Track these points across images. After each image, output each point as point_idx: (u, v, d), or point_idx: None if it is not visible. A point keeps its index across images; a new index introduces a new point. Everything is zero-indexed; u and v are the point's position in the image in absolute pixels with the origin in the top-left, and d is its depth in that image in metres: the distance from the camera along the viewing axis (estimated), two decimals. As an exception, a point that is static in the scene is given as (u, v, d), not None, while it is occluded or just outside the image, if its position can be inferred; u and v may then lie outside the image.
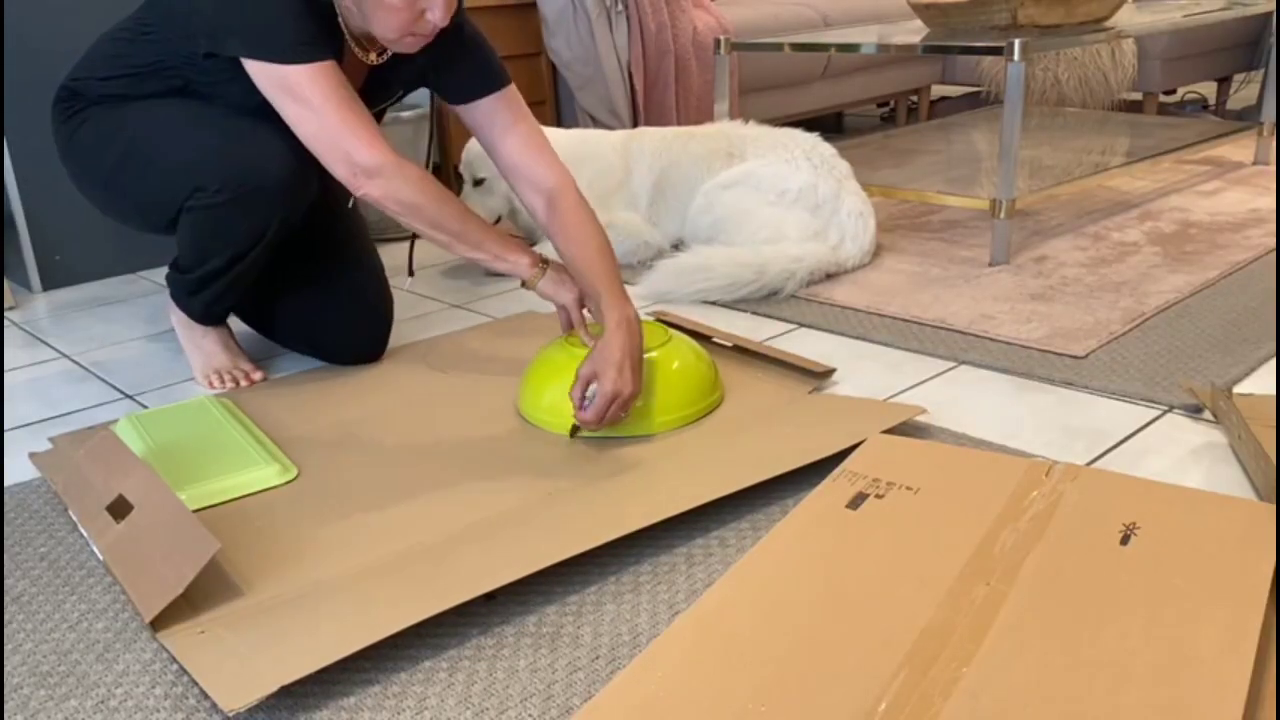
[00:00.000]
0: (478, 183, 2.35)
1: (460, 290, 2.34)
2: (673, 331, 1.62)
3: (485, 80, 1.65)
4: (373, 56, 1.59)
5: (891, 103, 4.23)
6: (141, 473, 1.31)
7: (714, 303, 2.12)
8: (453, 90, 1.66)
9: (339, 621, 1.07)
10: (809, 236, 2.22)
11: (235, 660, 1.02)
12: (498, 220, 2.46)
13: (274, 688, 0.95)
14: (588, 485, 1.37)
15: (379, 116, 1.66)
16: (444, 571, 1.18)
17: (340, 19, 1.54)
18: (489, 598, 1.14)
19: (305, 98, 1.44)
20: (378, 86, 1.67)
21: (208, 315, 1.78)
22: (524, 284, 1.57)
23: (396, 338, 2.01)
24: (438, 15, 1.44)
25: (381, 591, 1.14)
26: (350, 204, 1.84)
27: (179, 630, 1.09)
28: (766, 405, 1.58)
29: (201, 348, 1.80)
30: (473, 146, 2.38)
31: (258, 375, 1.75)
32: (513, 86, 1.67)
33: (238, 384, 1.76)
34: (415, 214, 1.49)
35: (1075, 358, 1.73)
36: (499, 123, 1.65)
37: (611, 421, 1.46)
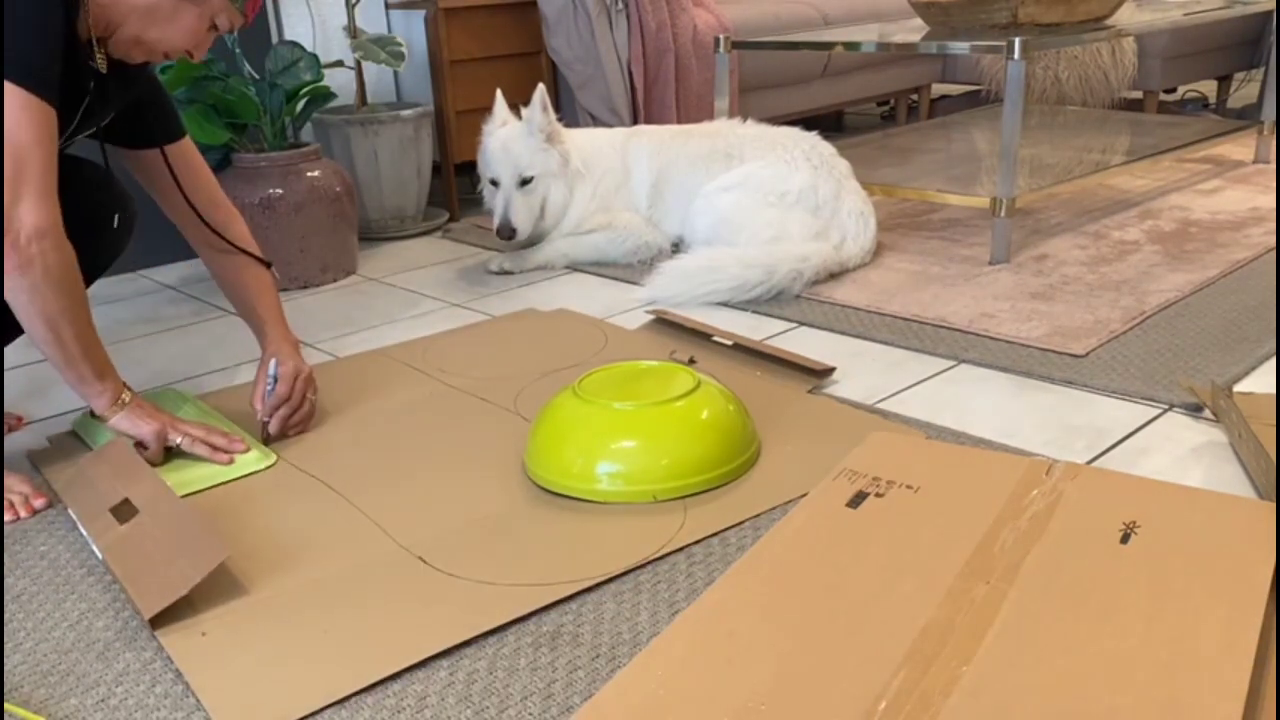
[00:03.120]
0: (524, 182, 2.32)
1: (460, 289, 2.34)
2: (702, 377, 1.44)
3: (178, 124, 1.59)
4: (103, 63, 1.38)
5: (892, 101, 4.23)
6: (150, 479, 1.31)
7: (715, 301, 2.11)
8: (158, 130, 1.55)
9: (343, 646, 1.08)
10: (810, 237, 2.22)
11: (240, 681, 1.02)
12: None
13: None
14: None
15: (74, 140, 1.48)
16: (446, 592, 1.18)
17: (81, 23, 1.32)
18: None
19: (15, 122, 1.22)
20: (99, 100, 1.42)
21: None
22: (94, 415, 1.43)
23: (393, 336, 2.01)
24: (224, 22, 1.38)
25: (385, 605, 1.14)
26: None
27: (180, 630, 1.09)
28: (765, 406, 1.58)
29: None
30: (490, 145, 2.35)
31: (39, 501, 1.40)
32: (189, 138, 1.61)
33: (17, 513, 1.38)
34: (53, 295, 1.27)
35: (1075, 356, 1.73)
36: (182, 170, 1.57)
37: (303, 418, 1.55)
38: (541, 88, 2.32)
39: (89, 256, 1.53)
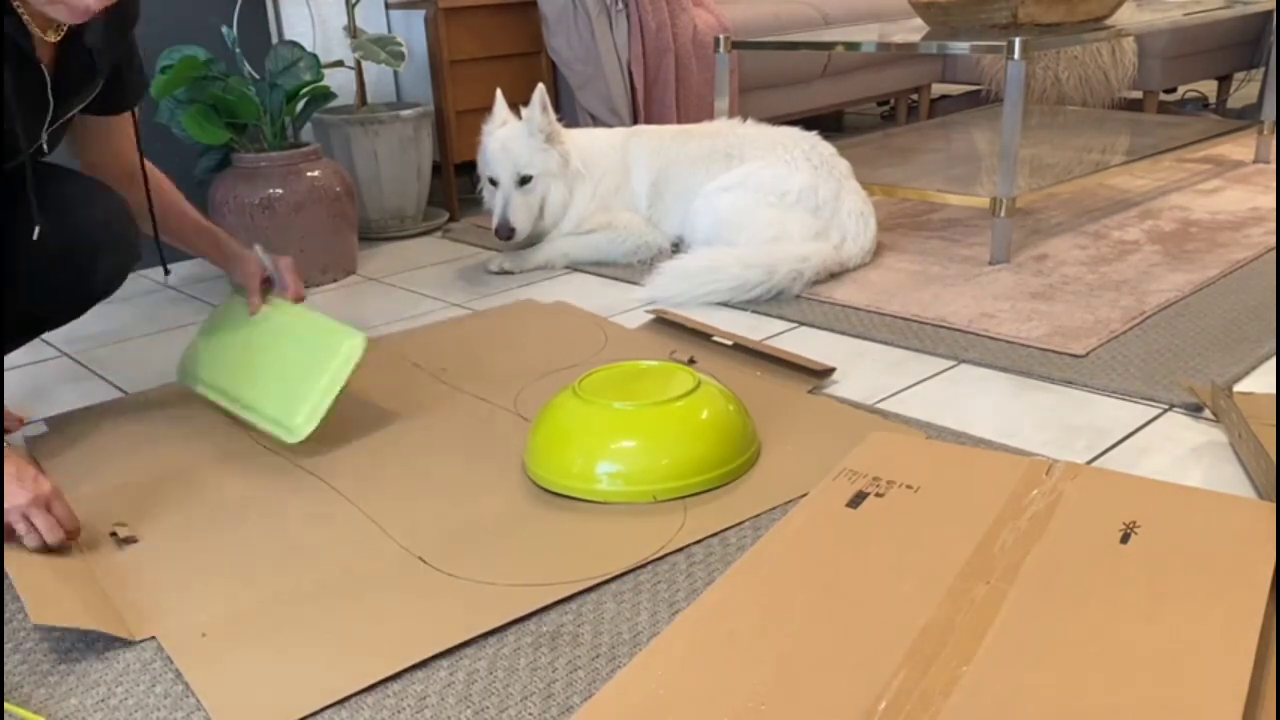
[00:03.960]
0: (524, 181, 2.32)
1: (460, 289, 2.34)
2: (702, 377, 1.44)
3: (137, 91, 1.56)
4: (50, 34, 1.34)
5: (892, 101, 4.22)
6: None
7: (715, 301, 2.11)
8: (130, 95, 1.53)
9: (343, 646, 1.07)
10: (811, 237, 2.22)
11: (240, 681, 1.02)
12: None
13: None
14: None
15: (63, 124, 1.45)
16: (446, 592, 1.18)
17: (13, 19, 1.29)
18: None
19: None
20: (78, 72, 1.40)
21: None
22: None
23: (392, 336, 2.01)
24: None
25: (385, 605, 1.14)
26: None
27: (180, 630, 1.10)
28: (765, 405, 1.58)
29: None
30: (490, 145, 2.34)
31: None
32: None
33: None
34: None
35: (1075, 356, 1.73)
36: (126, 132, 1.55)
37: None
38: (541, 88, 2.31)
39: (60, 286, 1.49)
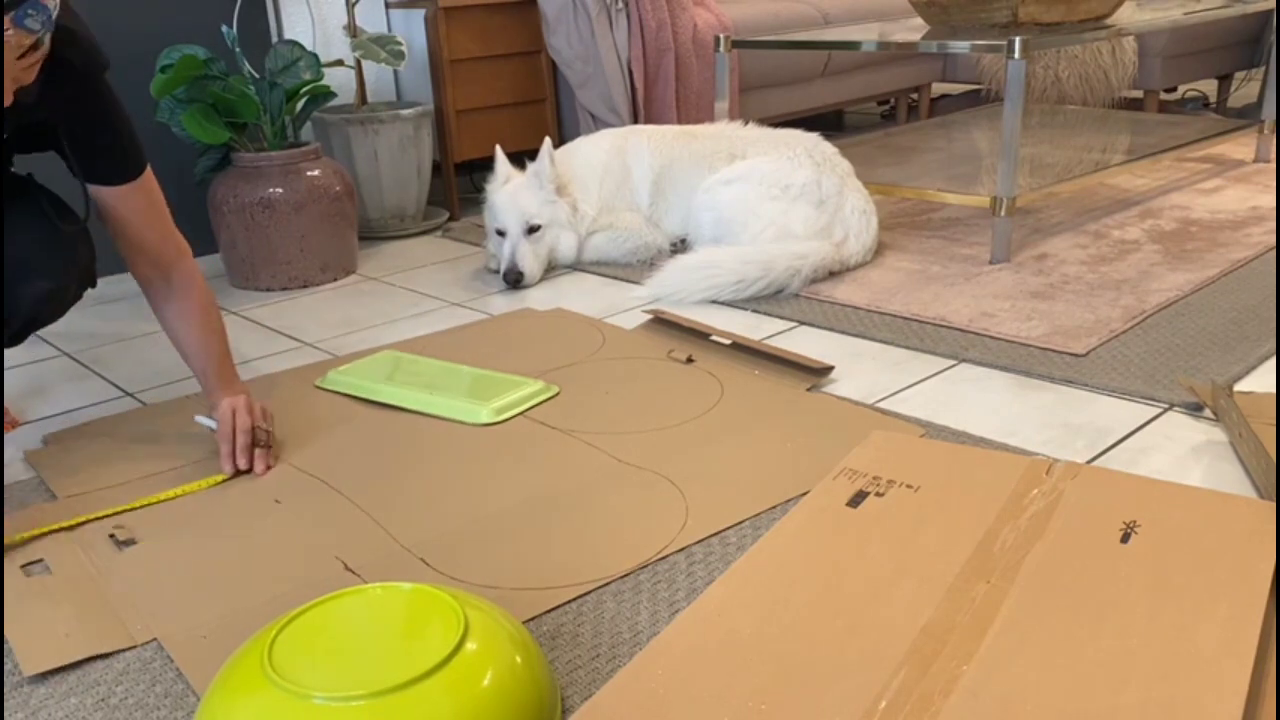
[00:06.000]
0: (532, 229, 2.31)
1: (460, 289, 2.33)
2: (480, 617, 0.94)
3: (119, 166, 1.44)
4: None
5: (892, 100, 4.23)
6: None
7: (715, 301, 2.12)
8: (81, 167, 1.42)
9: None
10: (815, 232, 2.22)
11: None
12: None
13: None
14: (589, 494, 1.38)
15: None
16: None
17: None
18: None
19: None
20: None
21: None
22: None
23: (393, 336, 2.01)
24: None
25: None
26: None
27: (180, 631, 1.10)
28: (764, 404, 1.58)
29: None
30: (498, 199, 2.34)
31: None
32: (147, 173, 1.48)
33: None
34: None
35: (1076, 355, 1.73)
36: (129, 208, 1.47)
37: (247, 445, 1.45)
38: (548, 141, 2.32)
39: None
